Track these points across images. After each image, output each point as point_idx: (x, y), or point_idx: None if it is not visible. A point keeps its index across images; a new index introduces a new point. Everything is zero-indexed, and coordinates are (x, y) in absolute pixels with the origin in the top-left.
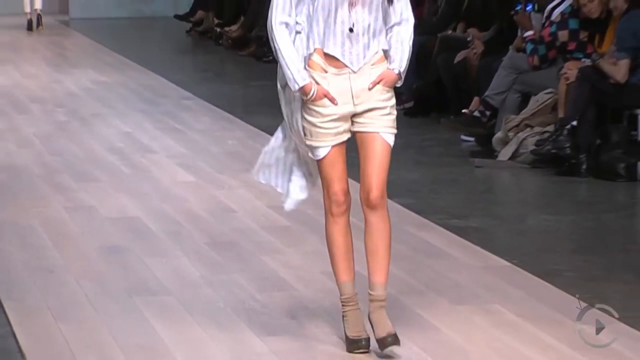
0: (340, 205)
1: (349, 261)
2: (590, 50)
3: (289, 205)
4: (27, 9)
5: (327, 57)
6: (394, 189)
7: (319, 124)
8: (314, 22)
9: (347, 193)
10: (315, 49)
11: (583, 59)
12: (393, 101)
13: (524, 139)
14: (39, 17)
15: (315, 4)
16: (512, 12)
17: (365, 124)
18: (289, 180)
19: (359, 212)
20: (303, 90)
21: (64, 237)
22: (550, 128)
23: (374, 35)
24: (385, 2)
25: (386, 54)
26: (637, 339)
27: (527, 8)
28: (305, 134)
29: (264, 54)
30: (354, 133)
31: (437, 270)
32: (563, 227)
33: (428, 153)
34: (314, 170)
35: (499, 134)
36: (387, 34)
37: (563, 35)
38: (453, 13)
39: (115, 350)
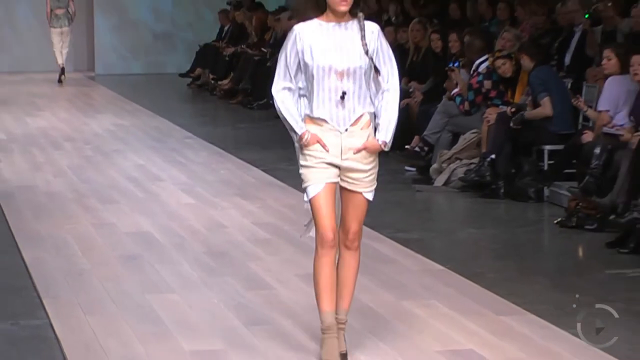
0: (328, 241)
1: (332, 292)
2: (506, 99)
3: (304, 236)
4: (60, 61)
5: (319, 119)
6: None
7: (311, 166)
8: (310, 88)
9: (335, 231)
10: (306, 115)
11: (500, 106)
12: (375, 162)
13: (455, 169)
14: (62, 69)
15: (308, 74)
16: (447, 68)
17: (350, 183)
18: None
19: None
20: (300, 137)
21: (91, 247)
22: (475, 160)
23: (359, 101)
24: (373, 71)
25: (373, 117)
26: (543, 325)
27: (455, 64)
28: (302, 180)
29: (249, 103)
30: (340, 186)
31: (386, 273)
32: (485, 239)
33: (379, 180)
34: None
35: (435, 165)
36: (377, 99)
37: (488, 84)
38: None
39: (131, 337)
